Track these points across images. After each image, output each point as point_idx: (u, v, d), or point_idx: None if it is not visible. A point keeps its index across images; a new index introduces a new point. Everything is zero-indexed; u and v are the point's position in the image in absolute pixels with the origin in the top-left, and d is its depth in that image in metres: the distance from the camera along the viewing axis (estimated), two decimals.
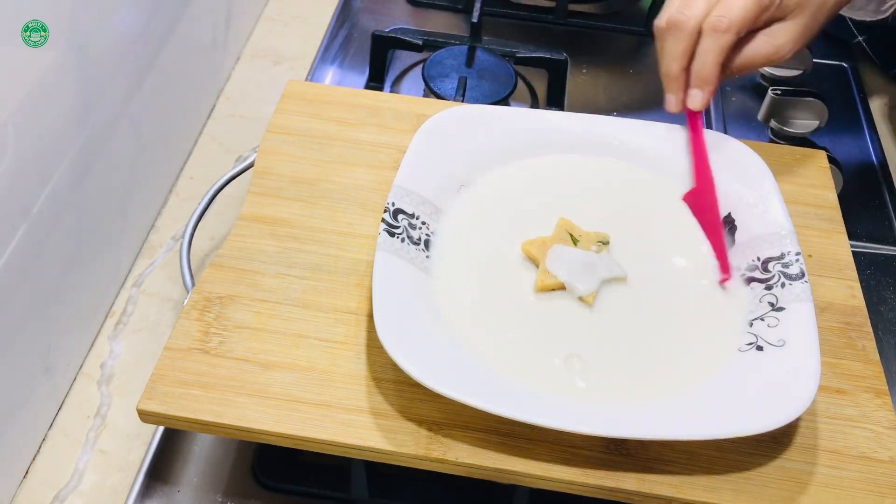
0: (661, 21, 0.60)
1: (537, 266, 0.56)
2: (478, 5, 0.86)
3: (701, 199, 0.61)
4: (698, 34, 0.59)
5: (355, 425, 0.49)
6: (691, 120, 0.63)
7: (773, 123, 0.80)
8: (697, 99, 0.60)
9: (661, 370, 0.52)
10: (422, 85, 0.81)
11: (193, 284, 0.59)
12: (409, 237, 0.56)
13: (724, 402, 0.49)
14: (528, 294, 0.56)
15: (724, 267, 0.57)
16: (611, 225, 0.59)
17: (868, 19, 0.69)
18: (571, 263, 0.56)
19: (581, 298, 0.55)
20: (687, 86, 0.61)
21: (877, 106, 0.88)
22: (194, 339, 0.52)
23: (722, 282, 0.56)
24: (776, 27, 0.60)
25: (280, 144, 0.65)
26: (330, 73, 0.87)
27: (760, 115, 0.82)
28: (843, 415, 0.52)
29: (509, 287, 0.56)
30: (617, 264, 0.57)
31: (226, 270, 0.56)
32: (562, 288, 0.55)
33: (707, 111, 0.85)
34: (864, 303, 0.58)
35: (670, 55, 0.60)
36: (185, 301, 0.55)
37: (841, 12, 0.69)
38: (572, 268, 0.56)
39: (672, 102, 0.61)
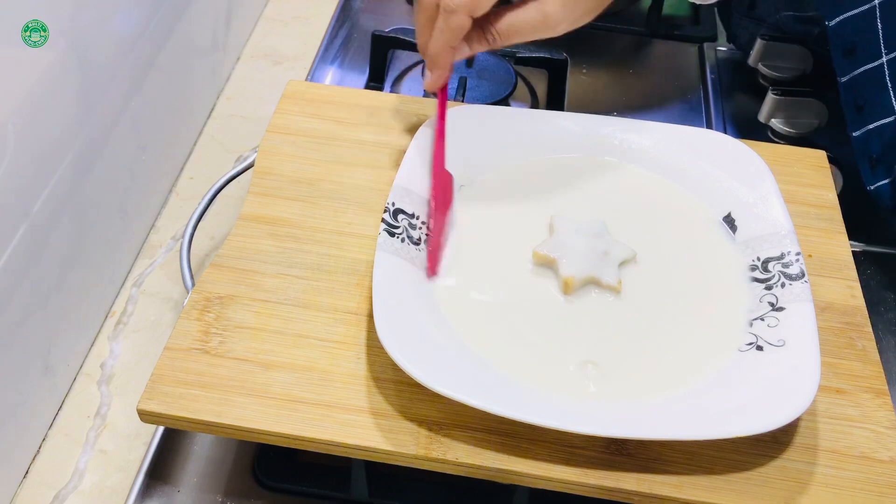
0: None
1: (551, 268, 0.57)
2: None
3: (436, 193, 0.58)
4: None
5: (355, 425, 0.49)
6: (439, 102, 0.60)
7: (773, 123, 0.80)
8: (427, 79, 0.59)
9: (661, 370, 0.52)
10: (422, 85, 0.81)
11: (193, 284, 0.59)
12: (410, 237, 0.56)
13: (724, 402, 0.49)
14: (528, 293, 0.56)
15: (431, 266, 0.56)
16: (610, 225, 0.59)
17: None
18: (588, 257, 0.56)
19: (610, 287, 0.55)
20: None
21: None
22: (194, 339, 0.52)
23: (428, 275, 0.55)
24: None
25: (280, 144, 0.65)
26: (330, 73, 0.87)
27: (760, 116, 0.82)
28: (843, 415, 0.52)
29: (509, 286, 0.56)
30: (623, 244, 0.57)
31: (226, 270, 0.56)
32: (592, 283, 0.56)
33: (707, 111, 0.85)
34: (864, 303, 0.58)
35: (418, 31, 0.59)
36: (185, 301, 0.55)
37: None
38: (590, 261, 0.56)
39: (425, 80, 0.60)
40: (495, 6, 0.56)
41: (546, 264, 0.57)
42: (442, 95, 0.61)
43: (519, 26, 0.57)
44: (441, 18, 0.56)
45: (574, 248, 0.57)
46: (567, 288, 0.55)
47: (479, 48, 0.58)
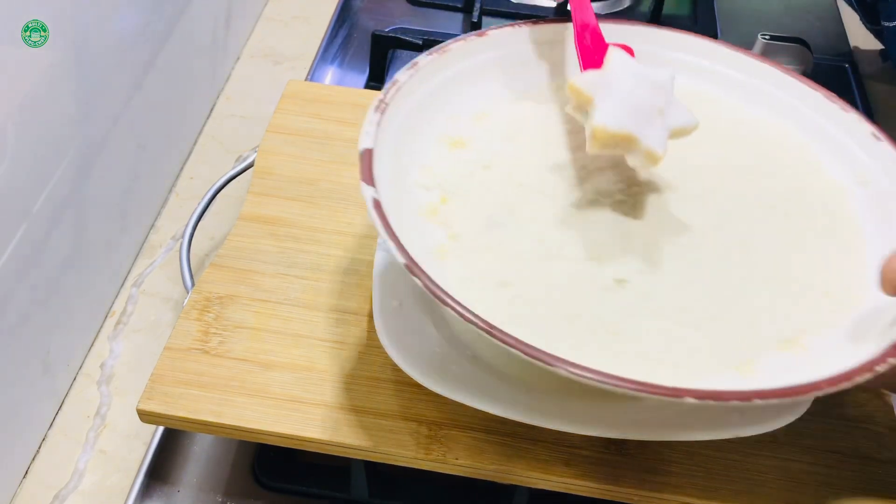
0: None
1: (584, 111, 0.44)
2: (478, 5, 0.86)
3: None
4: None
5: (355, 425, 0.49)
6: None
7: None
8: None
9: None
10: None
11: (193, 284, 0.59)
12: None
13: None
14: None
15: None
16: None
17: None
18: (634, 108, 0.43)
19: (649, 155, 0.43)
20: None
21: (877, 106, 0.88)
22: (194, 339, 0.52)
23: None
24: None
25: (280, 144, 0.65)
26: (330, 73, 0.87)
27: None
28: (843, 415, 0.52)
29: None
30: (685, 109, 0.44)
31: (226, 270, 0.56)
32: (627, 141, 0.43)
33: None
34: None
35: None
36: (185, 301, 0.55)
37: None
38: (636, 115, 0.43)
39: None
40: None
41: (579, 105, 0.44)
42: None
43: None
44: None
45: (620, 92, 0.44)
46: (594, 141, 0.43)
47: None
